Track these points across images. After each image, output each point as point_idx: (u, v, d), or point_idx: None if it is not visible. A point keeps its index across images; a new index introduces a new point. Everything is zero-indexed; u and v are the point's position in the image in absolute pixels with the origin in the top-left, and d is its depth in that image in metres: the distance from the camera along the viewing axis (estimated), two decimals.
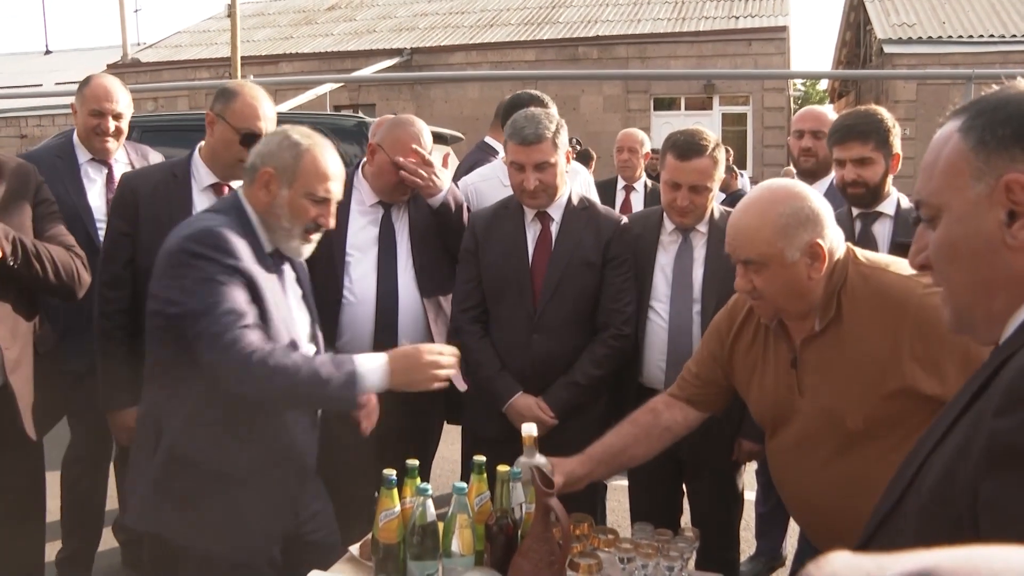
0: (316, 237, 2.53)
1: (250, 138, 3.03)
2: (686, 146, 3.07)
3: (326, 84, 14.22)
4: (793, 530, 4.32)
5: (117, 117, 3.79)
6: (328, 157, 2.49)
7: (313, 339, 2.63)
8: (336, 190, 2.50)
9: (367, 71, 18.12)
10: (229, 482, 2.36)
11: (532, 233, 3.25)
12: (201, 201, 3.17)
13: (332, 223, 2.53)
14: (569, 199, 3.27)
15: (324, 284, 3.08)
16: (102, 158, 3.84)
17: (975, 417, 1.11)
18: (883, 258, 2.29)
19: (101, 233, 3.62)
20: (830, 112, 4.27)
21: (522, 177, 3.14)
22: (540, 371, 3.16)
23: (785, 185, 2.25)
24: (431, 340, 3.26)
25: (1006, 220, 1.16)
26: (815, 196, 2.19)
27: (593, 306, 3.21)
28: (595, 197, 4.38)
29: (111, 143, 3.80)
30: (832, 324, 2.17)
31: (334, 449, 2.93)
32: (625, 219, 3.36)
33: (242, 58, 14.19)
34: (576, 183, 4.11)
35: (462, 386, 2.70)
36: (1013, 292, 1.19)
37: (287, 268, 2.59)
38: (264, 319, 2.34)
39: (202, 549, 2.38)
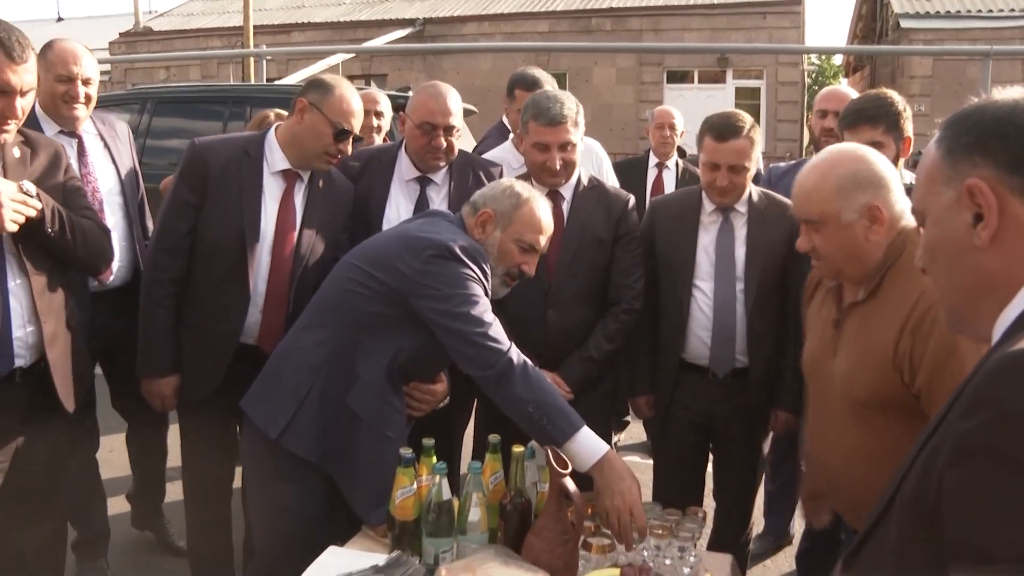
0: (515, 283, 2.72)
1: (344, 134, 3.04)
2: (724, 127, 3.17)
3: (338, 54, 14.19)
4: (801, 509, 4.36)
5: (87, 82, 3.45)
6: (543, 211, 2.68)
7: None
8: (545, 243, 2.70)
9: (379, 41, 18.06)
10: (384, 442, 2.49)
11: None
12: (270, 184, 3.12)
13: (533, 271, 2.71)
14: (579, 178, 3.33)
15: None
16: (70, 129, 3.48)
17: (948, 422, 1.15)
18: None
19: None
20: (853, 93, 4.24)
21: (546, 157, 3.19)
22: (554, 346, 3.21)
23: (850, 148, 2.34)
24: None
25: (972, 222, 1.23)
26: (881, 161, 2.25)
27: (604, 282, 3.29)
28: (612, 175, 4.36)
29: (80, 111, 3.45)
30: (872, 295, 2.23)
31: None
32: (632, 198, 3.42)
33: (254, 27, 14.17)
34: (590, 161, 4.11)
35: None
36: (992, 292, 1.24)
37: None
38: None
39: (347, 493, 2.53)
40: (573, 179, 3.30)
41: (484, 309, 2.46)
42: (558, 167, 3.19)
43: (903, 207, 2.24)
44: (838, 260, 2.26)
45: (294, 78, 11.93)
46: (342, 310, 2.57)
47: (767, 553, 4.27)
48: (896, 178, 2.26)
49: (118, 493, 4.27)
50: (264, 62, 11.44)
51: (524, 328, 3.20)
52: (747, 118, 3.24)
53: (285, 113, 4.16)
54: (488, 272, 2.55)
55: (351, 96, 3.11)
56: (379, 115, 4.66)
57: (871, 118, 3.25)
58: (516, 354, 2.42)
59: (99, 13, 28.44)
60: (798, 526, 4.30)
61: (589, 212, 3.28)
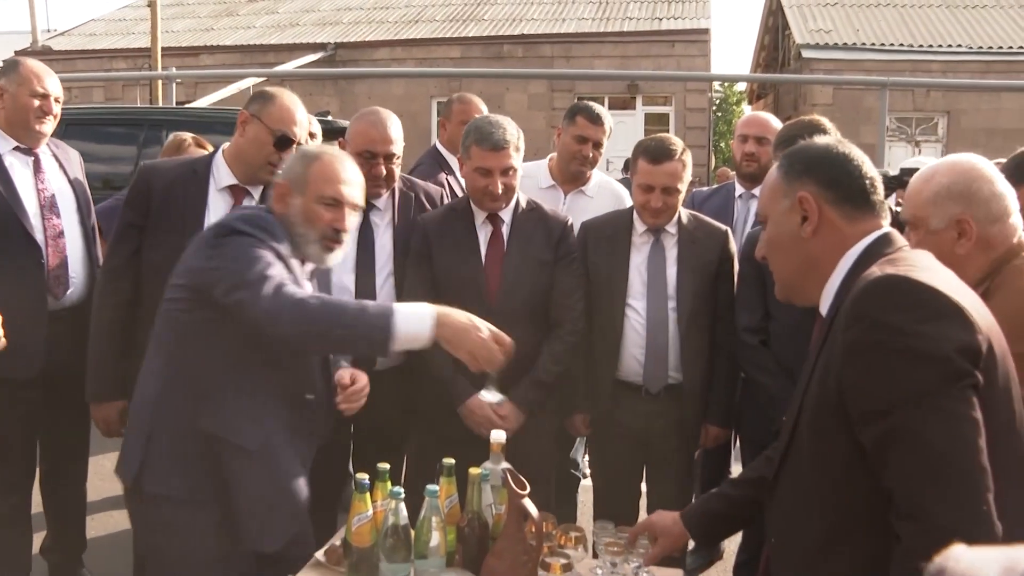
0: (340, 247, 2.55)
1: (284, 141, 3.02)
2: (658, 150, 3.30)
3: (249, 78, 14.02)
4: None
5: (56, 100, 3.56)
6: (340, 163, 2.55)
7: None
8: (350, 194, 2.52)
9: (290, 65, 17.89)
10: (244, 458, 2.38)
11: (484, 234, 3.33)
12: (216, 201, 3.10)
13: (347, 226, 2.53)
14: (518, 201, 3.36)
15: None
16: (30, 145, 3.51)
17: (830, 345, 1.71)
18: None
19: (38, 226, 3.43)
20: (773, 119, 4.38)
21: (488, 182, 3.21)
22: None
23: (960, 160, 2.39)
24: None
25: (800, 222, 1.86)
26: (990, 178, 2.30)
27: (546, 302, 3.33)
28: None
29: (48, 126, 3.54)
30: None
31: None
32: (571, 219, 3.49)
33: (162, 49, 13.90)
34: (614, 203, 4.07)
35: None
36: (815, 269, 1.87)
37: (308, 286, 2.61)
38: None
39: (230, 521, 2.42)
40: (512, 202, 3.34)
41: (274, 269, 2.32)
42: (500, 191, 3.22)
43: (1009, 234, 2.30)
44: None
45: (204, 101, 11.75)
46: (166, 333, 2.48)
47: (700, 568, 4.35)
48: (1002, 196, 2.30)
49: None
50: (173, 85, 11.24)
51: None
52: (679, 142, 3.37)
53: (200, 138, 4.13)
54: (279, 237, 2.42)
55: (292, 104, 3.11)
56: (312, 136, 4.63)
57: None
58: (307, 292, 2.37)
59: None
60: (727, 541, 4.40)
61: (529, 234, 3.32)
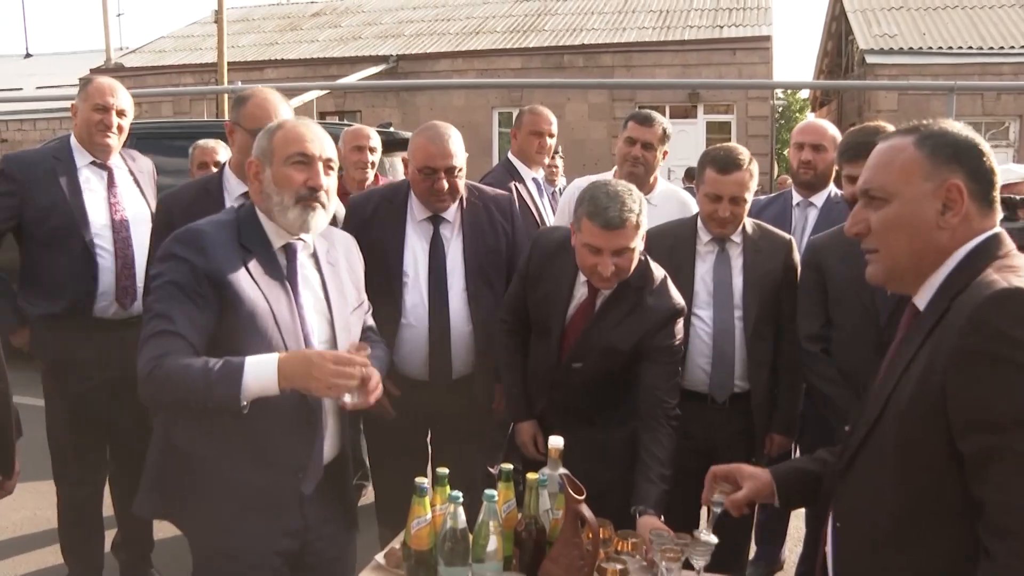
0: (321, 207, 2.45)
1: None
2: (726, 161, 3.27)
3: (312, 91, 14.25)
4: (792, 538, 4.41)
5: (120, 114, 3.72)
6: (303, 125, 2.49)
7: (333, 345, 2.54)
8: (316, 149, 2.43)
9: (352, 78, 18.15)
10: (221, 474, 2.37)
11: (580, 293, 3.09)
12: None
13: (323, 184, 2.44)
14: (629, 282, 3.01)
15: (381, 301, 3.05)
16: (102, 159, 3.73)
17: (934, 345, 1.67)
18: None
19: (99, 243, 3.64)
20: (830, 126, 4.33)
21: (596, 261, 2.83)
22: (560, 416, 3.13)
23: None
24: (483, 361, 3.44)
25: (941, 210, 1.75)
26: None
27: (615, 383, 3.09)
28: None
29: (113, 139, 3.70)
30: None
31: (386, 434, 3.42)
32: (678, 307, 3.05)
33: (228, 64, 14.19)
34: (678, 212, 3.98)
35: (351, 403, 2.38)
36: (935, 259, 1.78)
37: (307, 269, 2.54)
38: (238, 321, 2.31)
39: (201, 541, 2.47)
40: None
41: (162, 307, 2.27)
42: (608, 273, 2.84)
43: None
44: None
45: None
46: None
47: None
48: None
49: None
50: None
51: (535, 387, 3.24)
52: (746, 152, 3.34)
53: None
54: (219, 246, 2.34)
55: (266, 100, 3.13)
56: (372, 150, 4.71)
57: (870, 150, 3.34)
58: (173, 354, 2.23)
59: (68, 49, 28.26)
60: (789, 552, 4.35)
61: (620, 317, 2.99)
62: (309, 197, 2.41)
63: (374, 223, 3.36)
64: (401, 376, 3.37)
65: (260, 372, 2.19)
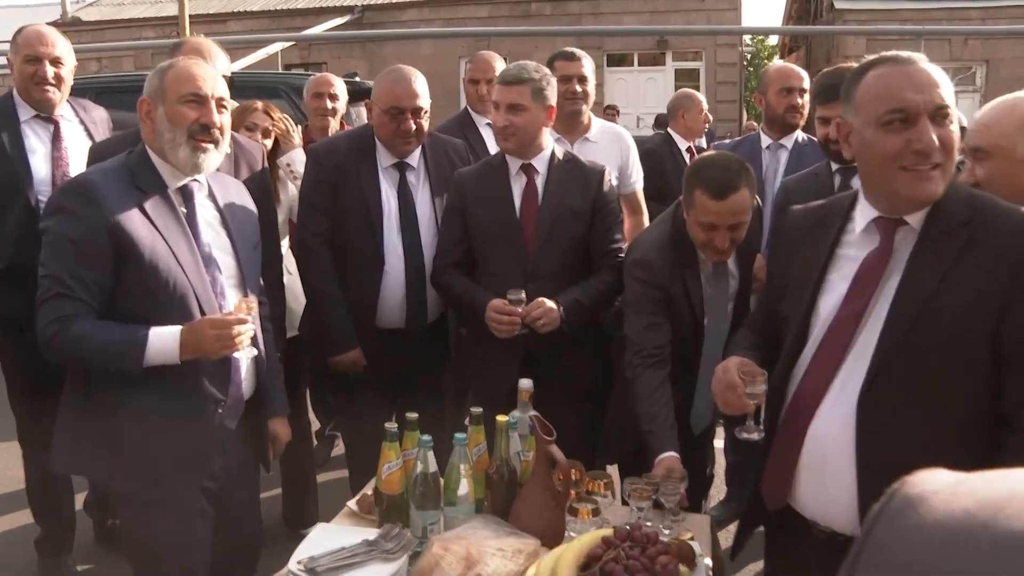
0: (213, 146, 2.46)
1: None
2: (722, 184, 2.69)
3: (277, 43, 14.00)
4: None
5: (55, 62, 3.49)
6: (195, 65, 2.49)
7: (243, 284, 2.59)
8: (209, 88, 2.45)
9: (317, 29, 17.86)
10: (140, 418, 2.39)
11: (518, 187, 3.27)
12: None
13: (216, 121, 2.45)
14: (553, 152, 3.30)
15: (362, 248, 3.32)
16: (46, 112, 3.51)
17: (974, 268, 1.79)
18: None
19: (44, 200, 3.35)
20: (799, 70, 4.29)
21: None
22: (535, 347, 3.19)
23: None
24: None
25: None
26: None
27: (584, 255, 3.27)
28: (638, 169, 4.23)
29: (52, 92, 3.48)
30: None
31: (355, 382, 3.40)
32: (606, 168, 3.33)
33: (189, 16, 13.91)
34: (617, 152, 4.05)
35: (250, 352, 2.49)
36: None
37: (206, 210, 2.55)
38: (141, 268, 2.32)
39: (124, 490, 2.51)
40: (547, 152, 3.28)
41: (55, 267, 2.29)
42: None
43: None
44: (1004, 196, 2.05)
45: (234, 67, 11.74)
46: None
47: (730, 519, 4.37)
48: None
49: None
50: None
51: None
52: (738, 159, 2.82)
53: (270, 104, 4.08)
54: (110, 194, 2.32)
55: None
56: (333, 97, 4.62)
57: None
58: (75, 314, 2.28)
59: (23, 2, 27.55)
60: None
61: (565, 185, 3.24)
62: (201, 133, 2.43)
63: (348, 169, 3.34)
64: (376, 329, 3.38)
65: (162, 347, 2.29)
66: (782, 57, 28.96)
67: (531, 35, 17.93)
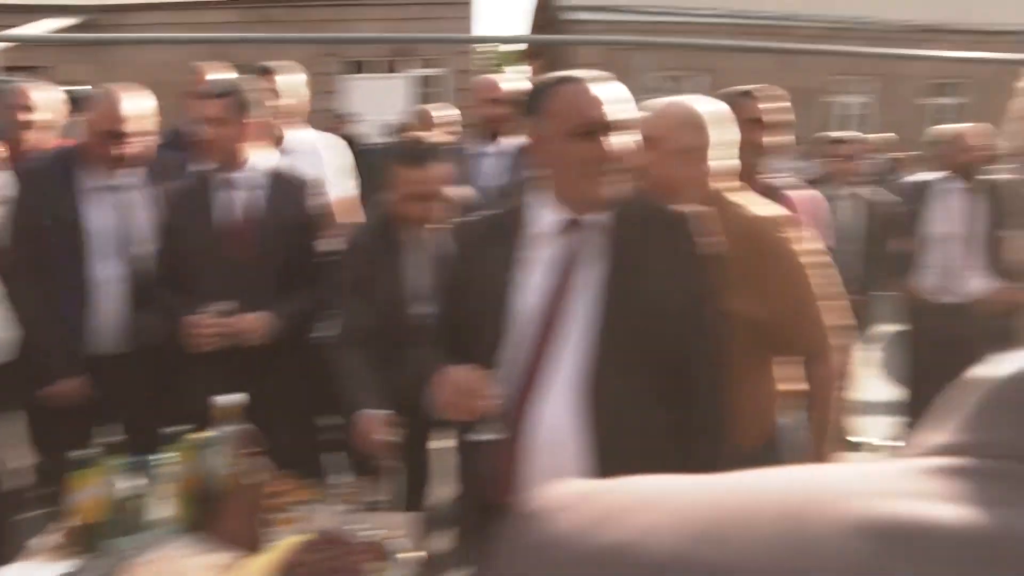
0: None
1: None
2: (413, 152, 3.05)
3: None
4: None
5: None
6: None
7: None
8: None
9: (34, 28, 16.64)
10: None
11: (223, 201, 3.29)
12: None
13: None
14: (256, 166, 3.34)
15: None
16: None
17: (651, 255, 2.08)
18: None
19: None
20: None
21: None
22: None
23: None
24: None
25: None
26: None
27: (290, 268, 3.32)
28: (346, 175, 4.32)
29: None
30: None
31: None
32: (312, 180, 3.44)
33: None
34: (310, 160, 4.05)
35: None
36: None
37: None
38: None
39: None
40: (252, 165, 3.32)
41: None
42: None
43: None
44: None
45: None
46: None
47: (456, 516, 4.50)
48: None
49: None
50: None
51: None
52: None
53: None
54: None
55: None
56: (27, 109, 4.22)
57: None
58: None
59: None
60: None
61: (269, 198, 3.30)
62: None
63: (50, 189, 3.30)
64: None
65: None
66: (530, 64, 29.93)
67: (270, 42, 17.59)
